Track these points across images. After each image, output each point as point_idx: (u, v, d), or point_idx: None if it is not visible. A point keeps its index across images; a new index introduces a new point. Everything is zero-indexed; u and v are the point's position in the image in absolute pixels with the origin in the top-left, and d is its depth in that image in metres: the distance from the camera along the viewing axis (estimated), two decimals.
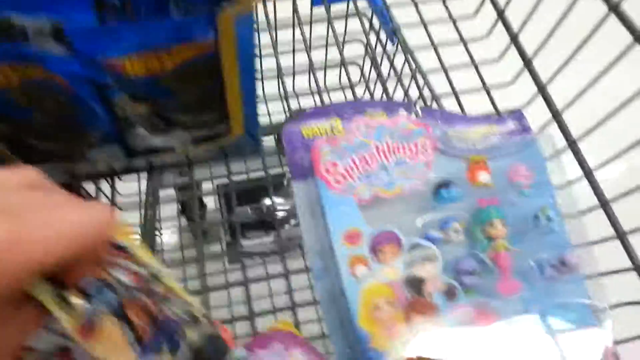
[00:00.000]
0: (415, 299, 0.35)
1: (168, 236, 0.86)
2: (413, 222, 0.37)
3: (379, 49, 0.61)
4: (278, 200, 0.79)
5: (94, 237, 0.21)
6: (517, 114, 0.42)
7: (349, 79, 0.47)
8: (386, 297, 0.35)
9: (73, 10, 0.31)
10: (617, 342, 0.34)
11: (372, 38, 0.60)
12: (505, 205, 0.38)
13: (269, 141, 0.60)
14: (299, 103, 0.72)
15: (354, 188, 0.37)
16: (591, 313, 0.36)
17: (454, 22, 0.50)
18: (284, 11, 0.60)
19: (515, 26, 0.44)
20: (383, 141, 0.38)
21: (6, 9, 0.30)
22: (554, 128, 0.40)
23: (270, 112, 0.73)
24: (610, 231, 0.36)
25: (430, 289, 0.35)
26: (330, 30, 0.59)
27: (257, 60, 0.61)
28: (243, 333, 0.52)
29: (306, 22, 0.60)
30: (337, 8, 0.60)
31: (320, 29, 0.62)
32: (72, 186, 0.50)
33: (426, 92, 0.49)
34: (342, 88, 0.73)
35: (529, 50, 0.43)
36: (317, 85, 0.47)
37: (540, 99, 0.42)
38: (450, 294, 0.35)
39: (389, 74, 0.57)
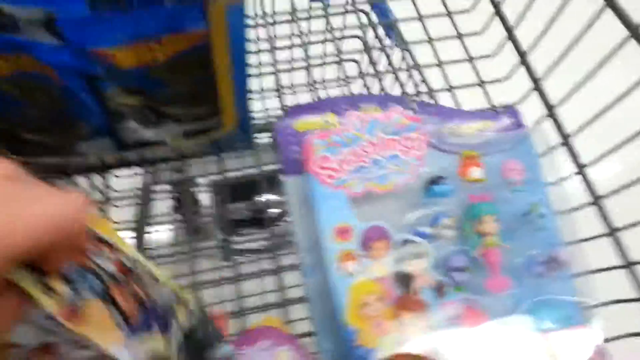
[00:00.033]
0: (405, 295, 0.35)
1: (161, 233, 0.86)
2: (404, 217, 0.37)
3: (376, 45, 0.61)
4: (273, 197, 0.78)
5: (69, 226, 0.22)
6: (511, 110, 0.42)
7: (346, 75, 0.47)
8: (375, 293, 0.34)
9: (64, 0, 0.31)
10: (607, 341, 0.34)
11: (370, 33, 0.60)
12: (497, 202, 0.38)
13: (265, 138, 0.59)
14: (296, 99, 0.72)
15: (345, 182, 0.37)
16: (581, 311, 0.35)
17: (450, 17, 0.50)
18: (281, 5, 0.60)
19: (511, 22, 0.44)
20: (376, 135, 0.38)
21: None
22: (552, 124, 0.40)
23: (267, 109, 0.73)
24: (601, 229, 0.36)
25: (420, 285, 0.35)
26: (328, 25, 0.59)
27: (254, 55, 0.61)
28: (234, 330, 0.52)
29: (304, 17, 0.60)
30: (335, 3, 0.60)
31: (317, 25, 0.62)
32: (54, 178, 0.50)
33: (422, 87, 0.49)
34: (340, 84, 0.73)
35: (525, 45, 0.43)
36: (315, 81, 0.46)
37: (536, 94, 0.41)
38: (439, 290, 0.35)
39: (386, 70, 0.57)
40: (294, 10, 0.57)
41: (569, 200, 0.38)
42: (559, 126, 0.39)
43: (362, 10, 0.60)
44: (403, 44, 0.51)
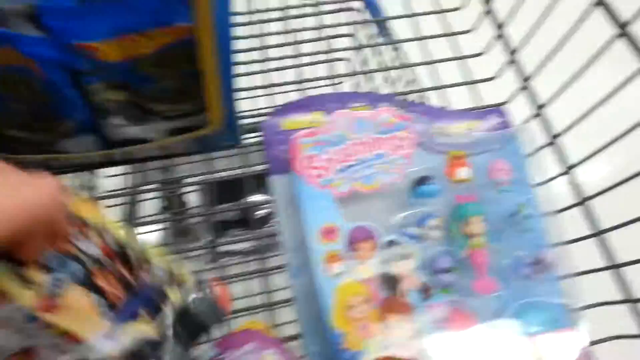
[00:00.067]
0: (391, 297, 0.34)
1: (149, 233, 0.85)
2: (390, 218, 0.36)
3: (368, 43, 0.60)
4: (263, 198, 0.78)
5: (45, 213, 0.21)
6: (499, 110, 0.41)
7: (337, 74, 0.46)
8: (361, 295, 0.34)
9: None
10: (593, 343, 0.34)
11: (361, 32, 0.60)
12: (484, 202, 0.37)
13: (254, 138, 0.59)
14: (286, 99, 0.71)
15: (332, 182, 0.36)
16: (567, 313, 0.35)
17: (441, 15, 0.49)
18: (272, 2, 0.59)
19: (501, 20, 0.44)
20: (363, 134, 0.37)
21: None
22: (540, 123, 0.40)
23: (256, 109, 0.72)
24: (588, 230, 0.35)
25: (406, 287, 0.35)
26: (320, 24, 0.58)
27: (244, 53, 0.60)
28: (219, 333, 0.51)
29: (295, 15, 0.59)
30: (326, 0, 0.60)
31: (309, 23, 0.62)
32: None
33: (412, 86, 0.49)
34: (331, 82, 0.73)
35: (514, 44, 0.43)
36: (306, 80, 0.46)
37: (525, 94, 0.41)
38: (426, 292, 0.35)
39: (377, 68, 0.57)
40: (285, 8, 0.57)
41: (556, 201, 0.38)
42: (546, 126, 0.39)
43: (354, 9, 0.60)
44: (394, 43, 0.51)
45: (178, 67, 0.38)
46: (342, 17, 0.62)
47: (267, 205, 0.76)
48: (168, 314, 0.28)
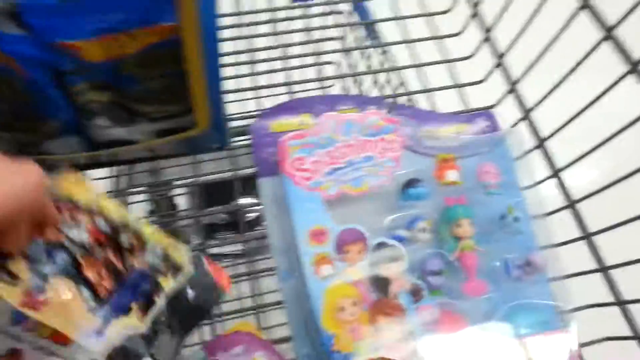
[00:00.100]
0: (381, 299, 0.34)
1: None
2: (380, 220, 0.36)
3: (356, 46, 0.60)
4: (252, 200, 0.77)
5: (28, 202, 0.21)
6: (487, 113, 0.42)
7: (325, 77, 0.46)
8: (351, 297, 0.34)
9: None
10: (582, 345, 0.34)
11: (350, 36, 0.60)
12: (473, 205, 0.37)
13: (243, 141, 0.59)
14: (275, 102, 0.71)
15: (321, 184, 0.36)
16: (557, 315, 0.35)
17: (429, 18, 0.50)
18: (260, 5, 0.59)
19: (489, 23, 0.44)
20: (352, 137, 0.37)
21: None
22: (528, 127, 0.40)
23: (245, 112, 0.72)
24: (577, 233, 0.35)
25: (396, 289, 0.34)
26: (308, 27, 0.58)
27: (231, 56, 0.60)
28: (209, 335, 0.50)
29: (283, 18, 0.59)
30: (315, 3, 0.60)
31: (299, 26, 0.62)
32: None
33: (401, 89, 0.49)
34: (321, 86, 0.73)
35: (502, 48, 0.43)
36: (294, 83, 0.46)
37: (512, 97, 0.41)
38: (416, 294, 0.35)
39: (365, 71, 0.57)
40: (273, 10, 0.57)
41: (545, 204, 0.38)
42: (534, 129, 0.39)
43: (342, 12, 0.60)
44: (383, 45, 0.51)
45: (163, 67, 0.38)
46: (331, 19, 0.62)
47: (256, 207, 0.76)
48: (161, 306, 0.28)
